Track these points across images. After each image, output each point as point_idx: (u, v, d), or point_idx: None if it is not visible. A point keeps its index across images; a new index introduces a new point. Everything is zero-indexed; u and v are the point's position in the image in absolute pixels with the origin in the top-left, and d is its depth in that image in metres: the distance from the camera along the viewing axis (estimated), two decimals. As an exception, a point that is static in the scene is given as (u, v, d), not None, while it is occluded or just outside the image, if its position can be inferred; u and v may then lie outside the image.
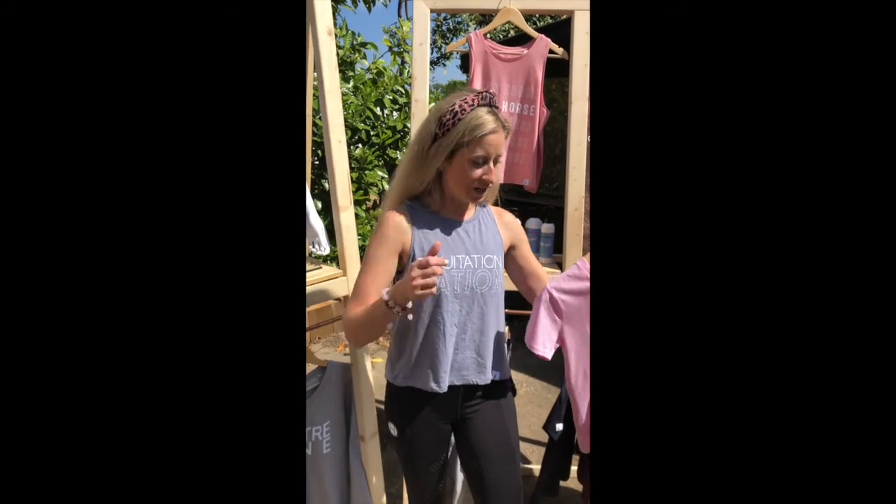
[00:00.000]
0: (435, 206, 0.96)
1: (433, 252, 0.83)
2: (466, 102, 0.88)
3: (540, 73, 1.51)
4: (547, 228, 1.62)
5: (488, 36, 1.55)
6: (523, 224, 1.65)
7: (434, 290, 0.79)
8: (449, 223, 0.98)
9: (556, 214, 1.59)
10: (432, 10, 1.47)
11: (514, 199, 3.51)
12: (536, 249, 1.64)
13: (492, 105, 0.90)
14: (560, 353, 1.05)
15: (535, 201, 3.23)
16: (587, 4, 1.43)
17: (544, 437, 1.49)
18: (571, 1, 1.45)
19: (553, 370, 1.30)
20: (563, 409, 1.42)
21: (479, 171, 0.90)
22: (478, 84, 1.52)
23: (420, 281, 0.78)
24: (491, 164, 0.90)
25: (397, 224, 0.93)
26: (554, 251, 1.64)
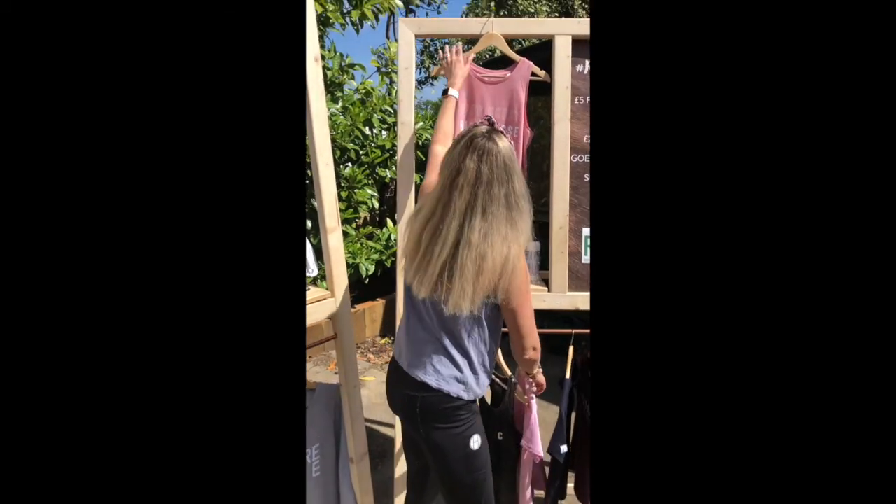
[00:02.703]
0: None
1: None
2: (509, 138, 1.06)
3: (523, 96, 1.55)
4: (533, 247, 1.64)
5: (471, 59, 1.59)
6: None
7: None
8: None
9: (544, 229, 1.61)
10: (417, 36, 1.51)
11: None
12: (523, 267, 1.66)
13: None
14: (556, 365, 1.12)
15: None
16: (568, 30, 1.47)
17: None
18: (552, 26, 1.50)
19: (549, 389, 1.33)
20: (563, 429, 1.43)
21: None
22: (462, 106, 1.55)
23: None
24: None
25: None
26: (540, 268, 1.66)
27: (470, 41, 1.58)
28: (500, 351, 1.34)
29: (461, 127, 1.59)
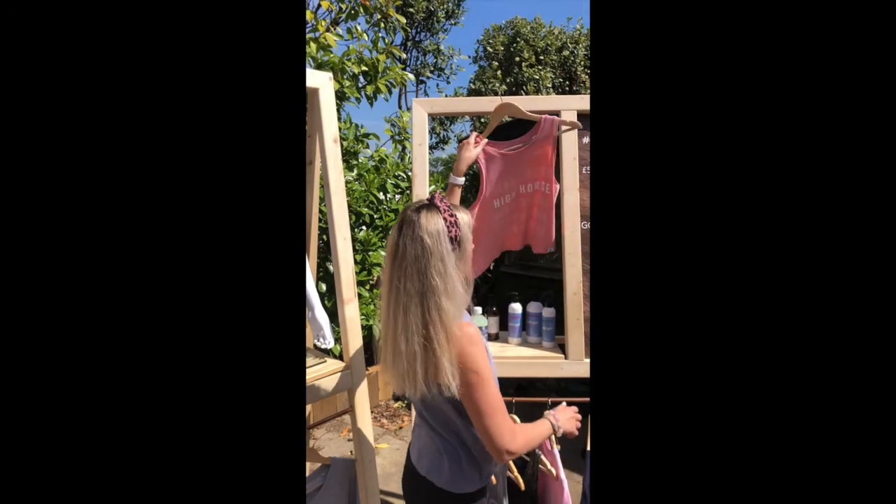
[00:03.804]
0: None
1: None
2: (445, 212, 0.93)
3: (550, 153, 1.56)
4: (548, 313, 1.64)
5: (484, 141, 1.55)
6: (524, 308, 1.69)
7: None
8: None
9: (559, 294, 1.62)
10: (430, 115, 1.59)
11: (516, 273, 3.56)
12: (539, 333, 1.66)
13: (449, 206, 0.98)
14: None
15: (536, 274, 3.28)
16: (573, 105, 1.55)
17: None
18: (559, 102, 1.58)
19: (572, 455, 1.28)
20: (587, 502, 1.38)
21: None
22: (489, 187, 1.59)
23: (577, 424, 1.08)
24: None
25: (478, 332, 0.94)
26: (556, 333, 1.66)
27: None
28: (517, 420, 1.31)
29: (494, 208, 1.60)
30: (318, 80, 1.38)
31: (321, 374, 1.29)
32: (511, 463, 1.33)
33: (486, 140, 1.53)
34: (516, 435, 0.92)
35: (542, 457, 1.34)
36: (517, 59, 4.47)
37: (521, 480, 1.29)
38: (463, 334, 0.90)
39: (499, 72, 4.49)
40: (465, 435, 0.99)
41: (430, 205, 0.94)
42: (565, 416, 1.07)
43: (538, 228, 1.64)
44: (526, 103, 1.58)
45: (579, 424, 1.09)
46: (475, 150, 1.46)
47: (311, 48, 2.40)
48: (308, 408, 1.60)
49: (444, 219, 0.92)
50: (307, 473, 1.30)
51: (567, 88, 4.37)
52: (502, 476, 1.17)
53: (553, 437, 1.12)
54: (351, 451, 1.34)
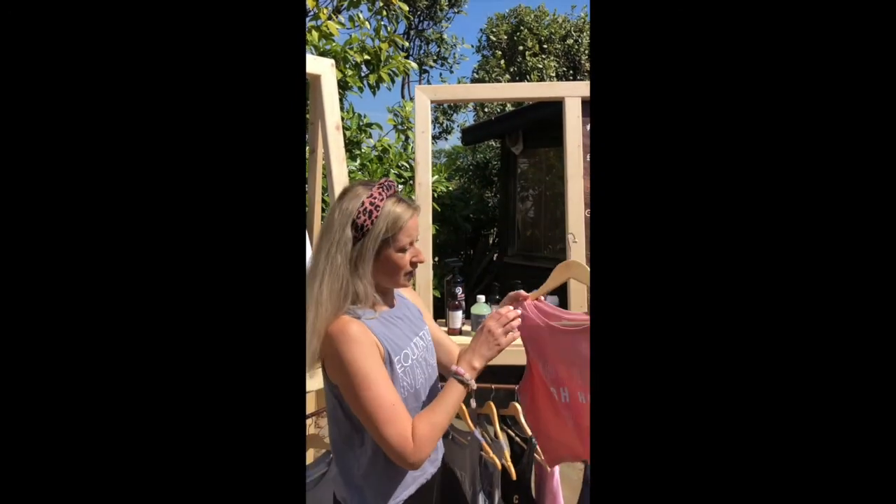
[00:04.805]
0: (369, 304, 0.88)
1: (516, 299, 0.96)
2: (374, 198, 0.86)
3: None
4: (551, 300, 1.64)
5: (544, 298, 1.07)
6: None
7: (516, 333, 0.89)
8: (392, 314, 0.94)
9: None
10: (433, 102, 1.58)
11: (519, 263, 3.57)
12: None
13: (396, 193, 0.90)
14: None
15: (540, 265, 3.28)
16: (577, 92, 1.54)
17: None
18: (563, 89, 1.56)
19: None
20: (587, 491, 1.38)
21: (409, 256, 0.89)
22: (538, 368, 1.08)
23: (501, 329, 0.88)
24: (415, 244, 0.91)
25: (363, 330, 0.84)
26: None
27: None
28: (518, 408, 1.30)
29: (552, 397, 1.06)
30: (320, 67, 1.37)
31: (325, 361, 1.30)
32: (486, 445, 1.24)
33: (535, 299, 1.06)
34: (419, 434, 0.80)
35: (538, 446, 1.24)
36: (521, 47, 4.44)
37: (512, 470, 1.28)
38: (337, 330, 0.81)
39: (502, 61, 4.46)
40: (337, 445, 0.90)
41: (369, 183, 0.88)
42: (480, 348, 0.87)
43: (574, 442, 1.10)
44: (530, 90, 1.57)
45: (507, 336, 0.88)
46: (509, 335, 0.92)
47: (313, 36, 2.38)
48: (310, 395, 1.61)
49: (363, 202, 0.85)
50: (312, 460, 1.31)
51: (571, 78, 4.34)
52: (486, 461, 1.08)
53: (474, 389, 0.88)
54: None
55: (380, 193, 0.87)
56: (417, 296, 1.10)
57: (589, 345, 0.91)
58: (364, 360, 0.81)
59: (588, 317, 0.99)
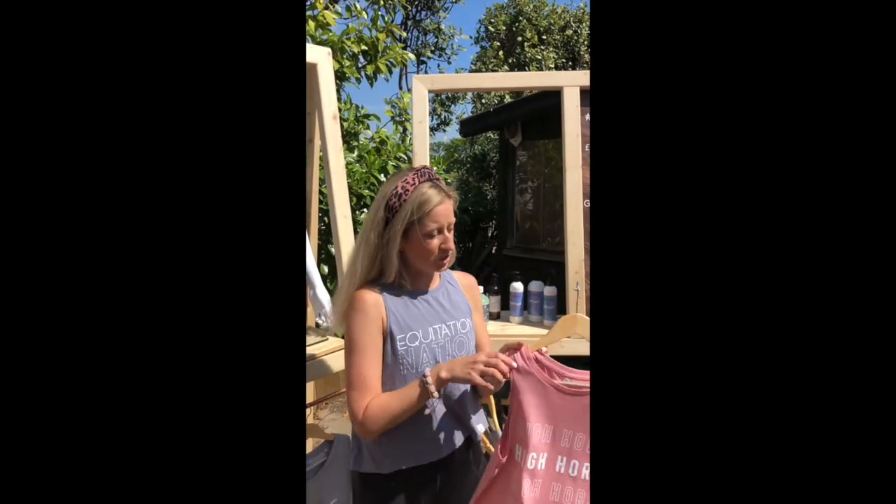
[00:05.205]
0: (401, 282, 0.96)
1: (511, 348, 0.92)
2: (408, 182, 0.92)
3: None
4: (549, 291, 1.64)
5: (544, 350, 0.96)
6: (526, 287, 1.68)
7: (496, 386, 0.84)
8: (419, 295, 0.98)
9: (560, 272, 1.61)
10: (430, 91, 1.57)
11: (518, 256, 3.56)
12: (540, 312, 1.66)
13: (432, 179, 0.94)
14: None
15: (539, 257, 3.27)
16: (575, 81, 1.53)
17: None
18: (561, 79, 1.55)
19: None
20: None
21: (435, 242, 0.93)
22: (531, 425, 0.92)
23: (482, 368, 0.84)
24: (446, 232, 0.94)
25: (374, 302, 0.92)
26: (557, 312, 1.66)
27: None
28: (492, 398, 1.25)
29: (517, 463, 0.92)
30: (317, 56, 1.36)
31: (322, 351, 1.30)
32: (484, 435, 1.22)
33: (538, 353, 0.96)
34: (370, 410, 0.88)
35: (483, 435, 1.07)
36: (519, 38, 4.41)
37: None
38: (352, 298, 0.92)
39: (500, 52, 4.43)
40: None
41: (414, 169, 0.95)
42: (456, 365, 0.87)
43: None
44: (528, 80, 1.56)
45: (482, 367, 0.84)
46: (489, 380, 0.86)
47: (310, 26, 2.36)
48: (310, 385, 1.61)
49: (397, 185, 0.92)
50: (311, 449, 1.31)
51: (570, 69, 4.31)
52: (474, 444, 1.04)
53: (433, 396, 0.88)
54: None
55: (414, 178, 0.92)
56: (477, 294, 1.10)
57: None
58: (358, 329, 0.91)
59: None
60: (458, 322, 1.00)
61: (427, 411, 0.95)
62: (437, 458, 0.96)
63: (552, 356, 0.97)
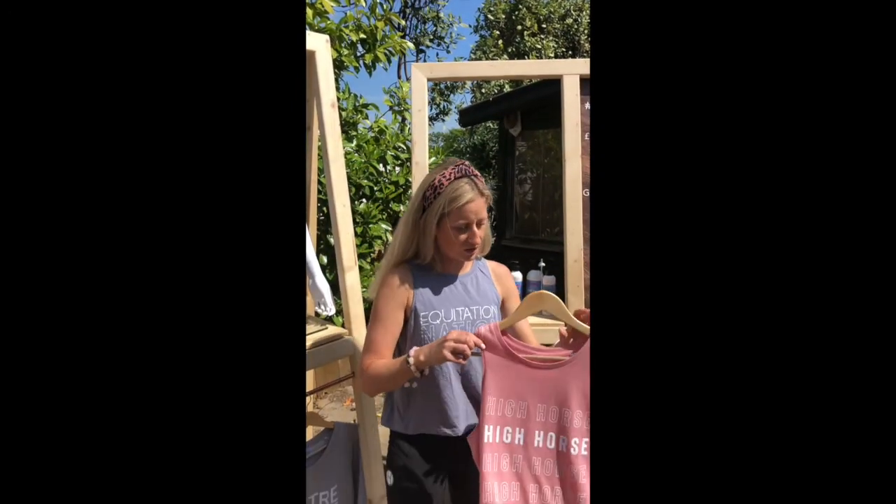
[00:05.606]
0: (433, 264, 1.08)
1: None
2: (444, 177, 1.01)
3: (588, 390, 0.94)
4: (548, 280, 1.65)
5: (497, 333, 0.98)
6: (524, 277, 1.69)
7: (465, 357, 0.91)
8: (447, 278, 1.09)
9: (559, 261, 1.61)
10: (429, 79, 1.56)
11: (517, 246, 3.57)
12: (539, 301, 1.66)
13: (469, 175, 1.02)
14: None
15: (538, 247, 3.28)
16: (575, 69, 1.52)
17: None
18: (561, 67, 1.54)
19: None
20: None
21: (463, 237, 1.02)
22: (491, 406, 0.98)
23: (452, 345, 0.90)
24: (474, 227, 1.02)
25: (402, 280, 1.05)
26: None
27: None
28: None
29: (485, 435, 0.97)
30: (315, 43, 1.35)
31: (322, 338, 1.30)
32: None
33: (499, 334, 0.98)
34: (368, 370, 1.01)
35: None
36: (519, 27, 4.37)
37: None
38: (383, 273, 1.06)
39: (500, 41, 4.39)
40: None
41: (455, 161, 1.04)
42: (433, 346, 0.92)
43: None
44: (528, 68, 1.55)
45: (452, 344, 0.88)
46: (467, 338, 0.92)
47: (308, 14, 2.33)
48: (310, 374, 1.62)
49: (435, 178, 1.02)
50: (311, 437, 1.32)
51: (570, 58, 4.28)
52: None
53: (413, 375, 0.96)
54: (354, 419, 1.37)
55: (451, 173, 1.01)
56: (509, 284, 1.17)
57: (581, 379, 0.94)
58: (382, 300, 1.04)
59: (567, 351, 0.98)
60: (482, 308, 1.08)
61: (408, 385, 1.05)
62: (454, 436, 1.03)
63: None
